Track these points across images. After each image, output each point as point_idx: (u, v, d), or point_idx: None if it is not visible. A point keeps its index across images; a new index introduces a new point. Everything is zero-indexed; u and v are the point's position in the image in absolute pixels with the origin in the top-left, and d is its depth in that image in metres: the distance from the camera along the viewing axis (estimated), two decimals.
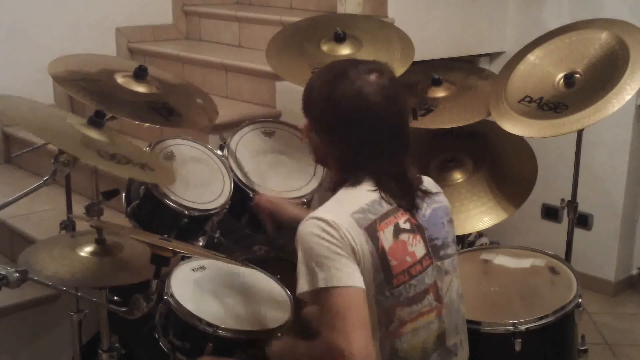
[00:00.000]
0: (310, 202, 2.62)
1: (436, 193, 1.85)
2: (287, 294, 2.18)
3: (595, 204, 3.62)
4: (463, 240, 3.13)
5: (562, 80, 2.57)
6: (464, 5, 3.54)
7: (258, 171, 2.60)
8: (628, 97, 2.38)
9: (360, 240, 1.64)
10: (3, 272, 1.66)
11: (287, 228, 2.27)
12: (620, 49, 2.49)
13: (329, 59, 2.57)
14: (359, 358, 1.54)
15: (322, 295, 1.61)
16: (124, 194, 2.42)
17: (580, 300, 2.17)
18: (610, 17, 2.71)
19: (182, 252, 1.97)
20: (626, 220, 3.66)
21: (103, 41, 3.90)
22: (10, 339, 2.79)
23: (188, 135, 2.55)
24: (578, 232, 2.97)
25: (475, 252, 2.55)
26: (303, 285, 1.64)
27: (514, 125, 2.54)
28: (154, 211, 2.34)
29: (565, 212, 2.76)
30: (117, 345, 2.29)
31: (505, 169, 2.77)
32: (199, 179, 2.45)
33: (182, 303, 2.04)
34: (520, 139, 2.74)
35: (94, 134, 2.08)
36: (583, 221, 3.61)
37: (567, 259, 2.72)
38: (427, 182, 1.85)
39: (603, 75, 2.48)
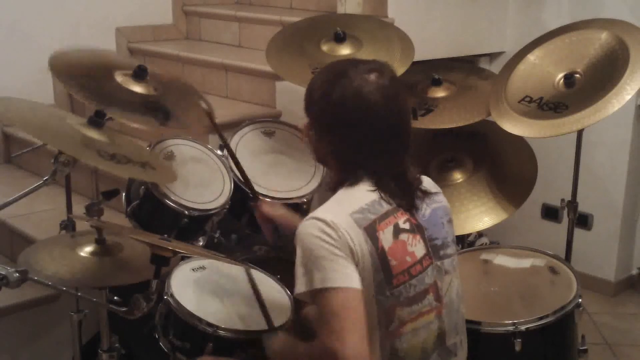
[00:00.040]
0: (310, 202, 2.62)
1: (435, 193, 1.85)
2: (287, 294, 2.18)
3: (595, 204, 3.62)
4: (463, 240, 3.13)
5: (562, 80, 2.57)
6: (464, 5, 3.54)
7: (258, 171, 2.60)
8: (628, 97, 2.38)
9: (359, 240, 1.64)
10: (3, 272, 1.66)
11: (286, 235, 2.26)
12: (620, 49, 2.49)
13: (329, 59, 2.58)
14: (352, 359, 1.55)
15: (318, 295, 1.62)
16: (124, 194, 2.42)
17: (580, 300, 2.17)
18: (610, 17, 2.71)
19: (182, 252, 1.97)
20: (626, 220, 3.66)
21: (103, 41, 3.89)
22: (10, 339, 2.79)
23: (188, 135, 2.55)
24: (578, 232, 2.97)
25: (475, 252, 2.55)
26: (301, 286, 1.64)
27: (514, 125, 2.54)
28: (154, 211, 2.34)
29: (565, 212, 2.76)
30: (117, 345, 2.29)
31: (505, 169, 2.78)
32: (199, 179, 2.45)
33: (182, 303, 2.04)
34: (520, 139, 2.74)
35: (94, 134, 2.08)
36: (583, 221, 3.61)
37: (567, 259, 2.72)
38: (427, 182, 1.85)
39: (603, 75, 2.48)
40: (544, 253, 2.45)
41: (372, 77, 1.71)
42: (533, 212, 3.82)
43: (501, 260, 2.43)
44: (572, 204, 2.75)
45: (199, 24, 4.17)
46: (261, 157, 2.67)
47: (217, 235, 2.48)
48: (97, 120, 2.11)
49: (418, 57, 2.83)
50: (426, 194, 1.81)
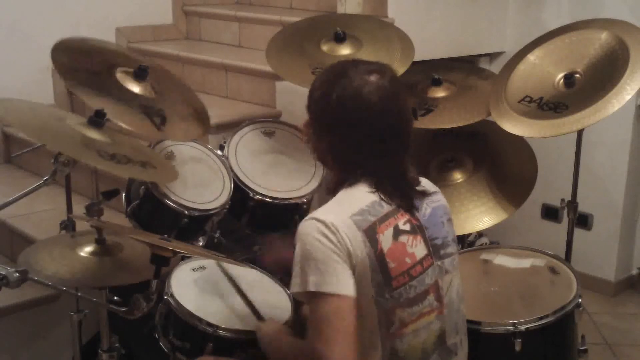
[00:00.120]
0: (310, 202, 2.62)
1: (434, 192, 1.85)
2: (287, 293, 2.18)
3: (595, 204, 3.61)
4: (463, 240, 3.13)
5: (562, 80, 2.57)
6: (464, 5, 3.54)
7: (258, 171, 2.60)
8: (628, 97, 2.38)
9: (357, 242, 1.64)
10: (3, 272, 1.66)
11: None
12: (620, 49, 2.49)
13: (329, 59, 2.58)
14: None
15: (311, 298, 1.64)
16: (124, 194, 2.42)
17: (580, 300, 2.17)
18: (610, 17, 2.71)
19: (182, 252, 1.97)
20: (626, 220, 3.66)
21: None
22: (10, 339, 2.79)
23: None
24: (578, 232, 2.96)
25: (475, 252, 2.55)
26: (295, 286, 1.66)
27: (514, 125, 2.54)
28: (154, 211, 2.34)
29: (565, 212, 2.76)
30: (117, 345, 2.29)
31: (505, 169, 2.77)
32: (199, 179, 2.45)
33: (182, 303, 2.04)
34: (520, 139, 2.74)
35: (94, 134, 2.08)
36: (583, 221, 3.61)
37: (567, 259, 2.72)
38: (425, 182, 1.85)
39: (603, 75, 2.48)
40: (544, 253, 2.45)
41: (372, 77, 1.71)
42: (533, 212, 3.81)
43: (501, 260, 2.43)
44: (572, 204, 2.74)
45: (199, 24, 4.17)
46: (261, 157, 2.67)
47: (217, 235, 2.48)
48: (97, 120, 2.11)
49: (418, 57, 2.83)
50: (425, 193, 1.81)
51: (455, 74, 2.97)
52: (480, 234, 3.66)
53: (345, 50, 2.74)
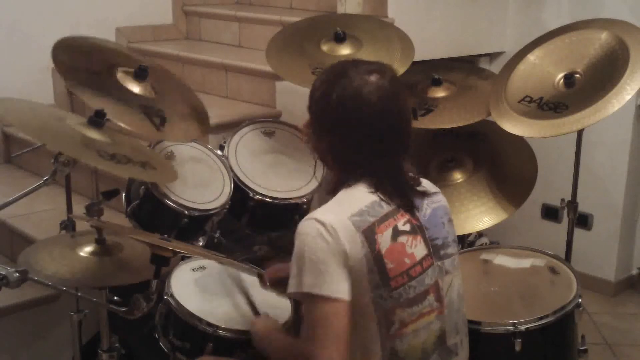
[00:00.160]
0: (310, 202, 2.62)
1: (434, 193, 1.85)
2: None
3: (595, 204, 3.61)
4: (463, 240, 3.13)
5: (562, 80, 2.56)
6: (464, 5, 3.54)
7: (258, 171, 2.60)
8: (628, 97, 2.38)
9: (355, 243, 1.64)
10: (3, 272, 1.66)
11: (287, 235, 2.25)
12: (620, 49, 2.49)
13: (329, 59, 2.58)
14: None
15: (305, 299, 1.65)
16: (124, 194, 2.42)
17: (580, 300, 2.17)
18: (610, 17, 2.71)
19: (182, 252, 1.97)
20: (626, 220, 3.66)
21: None
22: (10, 339, 2.79)
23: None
24: (578, 232, 2.96)
25: (475, 252, 2.55)
26: (292, 286, 1.67)
27: (514, 125, 2.54)
28: (154, 211, 2.34)
29: (565, 212, 2.76)
30: (117, 345, 2.29)
31: (505, 169, 2.77)
32: (199, 179, 2.45)
33: (182, 303, 2.04)
34: (520, 139, 2.74)
35: (94, 134, 2.08)
36: (583, 221, 3.61)
37: (567, 259, 2.72)
38: (425, 183, 1.85)
39: (603, 75, 2.48)
40: (544, 253, 2.45)
41: (372, 77, 1.71)
42: (533, 212, 3.81)
43: (501, 260, 2.43)
44: (572, 204, 2.74)
45: (199, 24, 4.17)
46: (261, 157, 2.67)
47: (217, 235, 2.48)
48: (97, 120, 2.11)
49: (418, 57, 2.83)
50: (426, 194, 1.81)
51: (455, 74, 2.97)
52: (480, 234, 3.66)
53: (345, 50, 2.74)
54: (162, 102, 2.39)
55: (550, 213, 3.78)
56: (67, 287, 2.00)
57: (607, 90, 2.41)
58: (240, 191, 2.51)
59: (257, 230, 2.61)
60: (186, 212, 2.33)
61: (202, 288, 2.17)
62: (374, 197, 1.70)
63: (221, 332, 1.99)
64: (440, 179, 2.73)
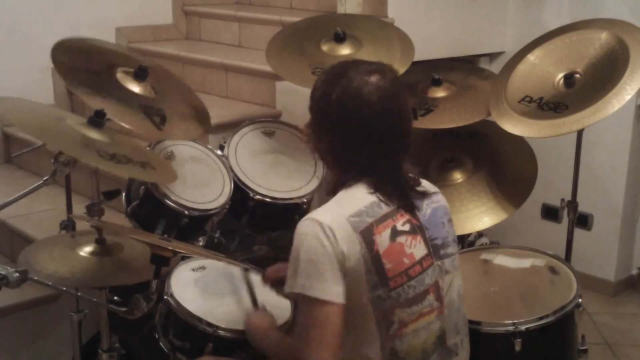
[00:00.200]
0: (310, 202, 2.62)
1: (434, 193, 1.85)
2: None
3: (595, 204, 3.61)
4: (463, 240, 3.13)
5: (562, 80, 2.56)
6: (464, 5, 3.54)
7: (258, 171, 2.60)
8: (628, 97, 2.38)
9: (352, 244, 1.64)
10: (3, 272, 1.66)
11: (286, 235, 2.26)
12: (620, 49, 2.49)
13: (329, 59, 2.58)
14: None
15: (299, 300, 1.66)
16: (124, 194, 2.42)
17: (580, 300, 2.17)
18: (610, 17, 2.71)
19: (182, 252, 1.97)
20: (626, 220, 3.66)
21: None
22: (10, 339, 2.79)
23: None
24: (578, 232, 2.97)
25: (475, 252, 2.55)
26: (288, 286, 1.68)
27: (514, 125, 2.54)
28: (154, 211, 2.34)
29: (565, 212, 2.76)
30: (117, 345, 2.29)
31: (505, 169, 2.77)
32: (199, 179, 2.45)
33: (182, 303, 2.04)
34: (520, 139, 2.74)
35: (94, 134, 2.08)
36: (583, 221, 3.61)
37: (567, 259, 2.72)
38: (425, 183, 1.85)
39: (603, 75, 2.48)
40: (544, 253, 2.45)
41: (372, 77, 1.71)
42: (533, 212, 3.81)
43: (501, 260, 2.43)
44: (572, 204, 2.74)
45: (199, 24, 4.17)
46: (261, 157, 2.67)
47: (217, 235, 2.48)
48: (97, 120, 2.11)
49: (418, 57, 2.83)
50: (426, 194, 1.81)
51: (455, 74, 2.97)
52: (480, 234, 3.66)
53: (345, 50, 2.74)
54: (162, 102, 2.39)
55: (550, 213, 3.78)
56: (67, 287, 2.00)
57: (607, 90, 2.41)
58: (240, 191, 2.51)
59: (257, 230, 2.61)
60: (186, 212, 2.32)
61: (202, 288, 2.17)
62: (373, 198, 1.70)
63: (221, 332, 1.99)
64: (440, 179, 2.73)
